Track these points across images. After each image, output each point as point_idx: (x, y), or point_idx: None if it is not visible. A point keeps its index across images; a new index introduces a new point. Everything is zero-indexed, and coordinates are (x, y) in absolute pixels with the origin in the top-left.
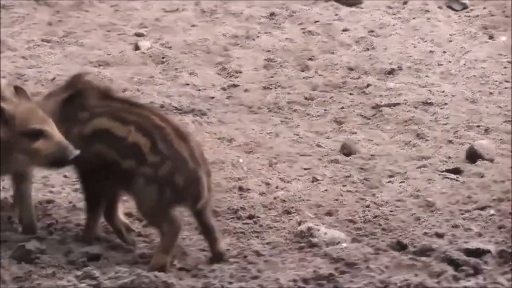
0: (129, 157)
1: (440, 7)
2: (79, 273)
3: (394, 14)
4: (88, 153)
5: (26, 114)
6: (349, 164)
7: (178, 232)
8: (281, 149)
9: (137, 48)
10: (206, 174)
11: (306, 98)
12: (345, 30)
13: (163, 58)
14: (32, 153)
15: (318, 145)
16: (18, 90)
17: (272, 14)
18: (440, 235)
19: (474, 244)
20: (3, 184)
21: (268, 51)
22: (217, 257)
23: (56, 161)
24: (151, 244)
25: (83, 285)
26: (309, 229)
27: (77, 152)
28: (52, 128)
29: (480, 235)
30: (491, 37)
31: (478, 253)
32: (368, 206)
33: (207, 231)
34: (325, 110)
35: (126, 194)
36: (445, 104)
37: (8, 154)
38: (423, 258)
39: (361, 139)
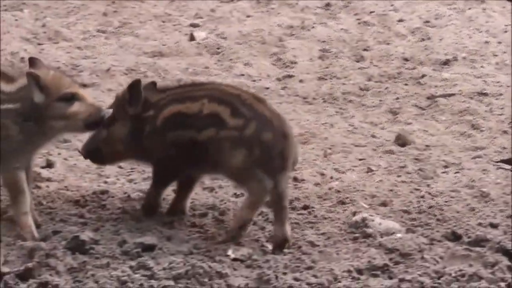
0: (206, 128)
1: None
2: (133, 263)
3: (449, 5)
4: (164, 144)
5: (57, 80)
6: (404, 154)
7: (266, 192)
8: (336, 140)
9: (192, 38)
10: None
11: (361, 89)
12: (400, 20)
13: (218, 48)
14: (70, 117)
15: (373, 136)
16: (34, 61)
17: (328, 4)
18: (494, 226)
19: None
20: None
21: (323, 41)
22: (278, 241)
23: (92, 123)
24: (205, 234)
25: (137, 275)
26: (364, 219)
27: (109, 111)
28: (82, 91)
29: None
30: None
31: None
32: (422, 197)
33: (279, 208)
34: (380, 100)
35: (203, 168)
36: (500, 94)
37: (42, 125)
38: (478, 249)
39: (416, 129)
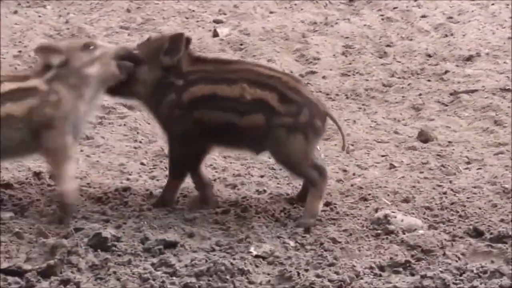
0: (251, 113)
1: None
2: (155, 260)
3: (473, 0)
4: (187, 120)
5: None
6: (426, 150)
7: (327, 175)
8: (358, 136)
9: (215, 35)
10: None
11: (384, 85)
12: (423, 16)
13: (241, 45)
14: (100, 59)
15: (396, 132)
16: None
17: (351, 0)
18: None
19: None
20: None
21: (347, 37)
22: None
23: (122, 58)
24: (228, 231)
25: (159, 272)
26: (386, 216)
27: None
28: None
29: None
30: None
31: None
32: (445, 193)
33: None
34: (403, 96)
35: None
36: None
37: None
38: (500, 245)
39: (439, 125)
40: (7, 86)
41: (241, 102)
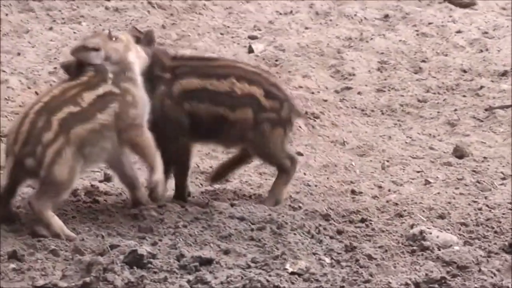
0: (241, 107)
1: None
2: (191, 277)
3: (508, 16)
4: (178, 111)
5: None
6: (462, 166)
7: (297, 163)
8: (394, 152)
9: (250, 50)
10: None
11: (419, 101)
12: (458, 31)
13: (276, 60)
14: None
15: (431, 148)
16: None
17: (386, 16)
18: None
19: None
20: None
21: (382, 53)
22: None
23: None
24: (263, 248)
25: None
26: (421, 232)
27: None
28: None
29: None
30: None
31: None
32: (480, 209)
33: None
34: (438, 112)
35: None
36: None
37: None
38: None
39: (474, 141)
40: (86, 97)
41: (232, 96)
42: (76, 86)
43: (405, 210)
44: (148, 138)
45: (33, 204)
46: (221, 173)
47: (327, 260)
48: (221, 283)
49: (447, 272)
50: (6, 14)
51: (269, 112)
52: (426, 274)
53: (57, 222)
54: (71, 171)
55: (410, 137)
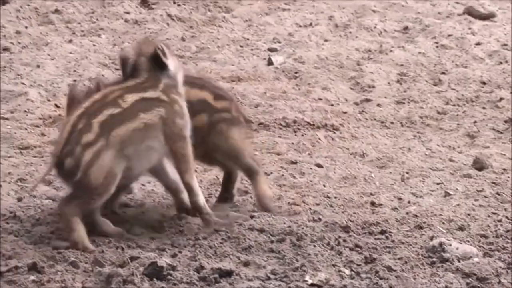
0: (197, 114)
1: None
2: None
3: None
4: None
5: None
6: (482, 178)
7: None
8: (413, 164)
9: (270, 63)
10: None
11: (438, 113)
12: (478, 43)
13: (296, 73)
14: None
15: (451, 160)
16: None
17: (406, 28)
18: None
19: None
20: None
21: (401, 65)
22: None
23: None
24: (283, 260)
25: None
26: (441, 244)
27: None
28: None
29: None
30: None
31: None
32: (500, 221)
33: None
34: (457, 124)
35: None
36: None
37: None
38: None
39: (494, 153)
40: (129, 99)
41: (193, 104)
42: (118, 89)
43: (424, 222)
44: (190, 152)
45: (61, 207)
46: (223, 195)
47: (347, 271)
48: None
49: (467, 284)
50: (26, 27)
51: (221, 112)
52: (446, 286)
53: (80, 231)
54: (107, 176)
55: (430, 149)
